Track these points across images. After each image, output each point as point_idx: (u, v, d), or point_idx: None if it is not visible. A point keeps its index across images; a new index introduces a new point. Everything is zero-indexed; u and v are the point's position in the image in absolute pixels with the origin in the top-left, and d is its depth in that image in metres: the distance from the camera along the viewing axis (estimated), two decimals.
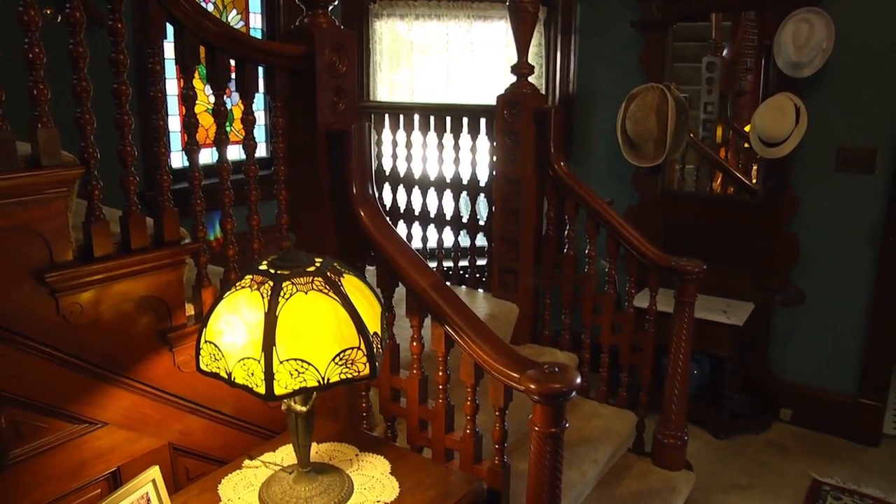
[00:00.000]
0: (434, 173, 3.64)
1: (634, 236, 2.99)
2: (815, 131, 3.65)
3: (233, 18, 4.10)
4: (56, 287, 1.62)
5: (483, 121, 3.44)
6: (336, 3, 2.19)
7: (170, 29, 1.86)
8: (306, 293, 1.50)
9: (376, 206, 2.24)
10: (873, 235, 3.69)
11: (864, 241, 3.73)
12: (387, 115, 3.76)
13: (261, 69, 2.12)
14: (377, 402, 2.38)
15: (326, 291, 1.52)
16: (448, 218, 3.65)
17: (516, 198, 3.30)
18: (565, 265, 3.29)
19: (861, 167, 3.67)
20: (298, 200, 2.25)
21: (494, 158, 3.37)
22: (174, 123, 3.67)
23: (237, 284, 1.56)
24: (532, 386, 1.71)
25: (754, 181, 4.06)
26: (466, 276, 3.69)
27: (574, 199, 3.19)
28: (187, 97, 1.93)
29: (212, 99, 2.04)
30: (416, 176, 3.70)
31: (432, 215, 3.70)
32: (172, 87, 3.59)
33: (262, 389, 1.46)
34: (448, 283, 2.31)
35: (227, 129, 2.10)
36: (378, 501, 1.76)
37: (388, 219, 2.26)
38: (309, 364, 1.46)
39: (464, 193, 3.58)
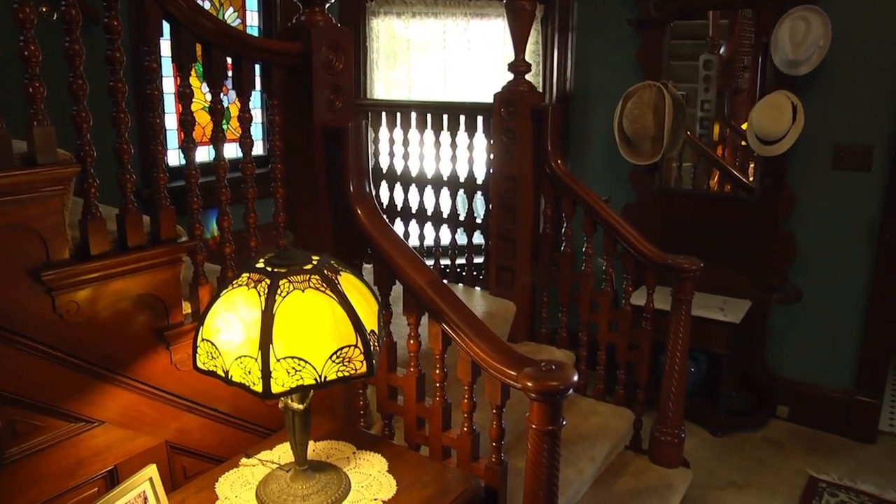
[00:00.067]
0: (431, 171, 3.64)
1: (631, 234, 2.99)
2: (811, 129, 3.66)
3: (229, 16, 4.10)
4: (52, 285, 1.61)
5: (480, 119, 3.44)
6: (333, 0, 2.19)
7: (166, 26, 1.85)
8: (303, 291, 1.49)
9: (373, 204, 2.24)
10: (870, 233, 3.70)
11: (861, 239, 3.74)
12: (384, 113, 3.75)
13: (257, 67, 2.11)
14: (374, 400, 2.38)
15: (323, 289, 1.52)
16: (445, 216, 3.65)
17: (513, 196, 3.30)
18: (562, 263, 3.29)
19: (858, 165, 3.68)
20: (295, 198, 2.24)
21: (491, 156, 3.36)
22: (171, 121, 3.66)
23: (234, 282, 1.56)
24: (529, 384, 1.71)
25: (751, 179, 4.07)
26: (463, 273, 3.69)
27: (571, 196, 3.19)
28: (184, 95, 1.93)
29: (208, 97, 2.03)
30: (414, 174, 3.70)
31: (429, 213, 3.69)
32: (169, 84, 3.58)
33: (259, 387, 1.46)
34: (445, 281, 2.31)
35: (224, 126, 2.09)
36: (375, 499, 1.76)
37: (385, 217, 2.26)
38: (306, 362, 1.46)
39: (461, 191, 3.58)
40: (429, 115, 3.57)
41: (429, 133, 3.59)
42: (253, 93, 2.12)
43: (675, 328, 2.86)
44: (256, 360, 1.45)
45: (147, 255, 1.81)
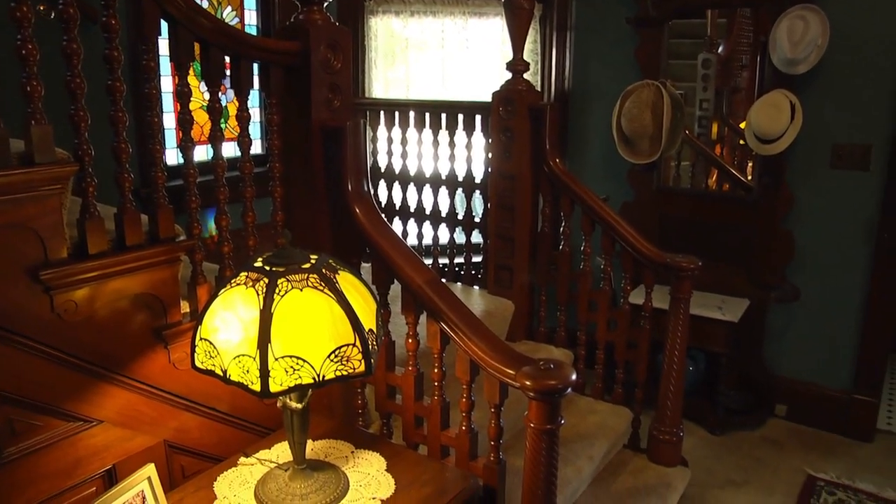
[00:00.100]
0: (429, 170, 3.64)
1: (630, 233, 2.99)
2: (810, 128, 3.66)
3: (228, 15, 4.09)
4: (51, 284, 1.61)
5: (478, 117, 3.44)
6: None
7: (164, 25, 1.85)
8: (301, 290, 1.49)
9: (372, 203, 2.24)
10: (868, 232, 3.70)
11: (859, 238, 3.74)
12: (382, 112, 3.76)
13: (256, 66, 2.11)
14: (373, 399, 2.38)
15: (322, 288, 1.51)
16: (444, 215, 3.65)
17: (512, 194, 3.30)
18: (561, 262, 3.29)
19: (856, 164, 3.68)
20: (294, 197, 2.24)
21: (490, 155, 3.37)
22: (169, 120, 3.66)
23: (232, 281, 1.56)
24: (527, 382, 1.71)
25: (750, 178, 4.07)
26: (462, 272, 3.69)
27: (569, 195, 3.19)
28: (182, 94, 1.93)
29: (207, 96, 2.03)
30: (412, 173, 3.70)
31: (428, 212, 3.70)
32: (167, 83, 3.58)
33: (257, 387, 1.46)
34: (443, 280, 2.31)
35: (222, 125, 2.09)
36: (374, 498, 1.76)
37: (383, 216, 2.26)
38: (304, 361, 1.46)
39: (459, 190, 3.58)
40: (427, 114, 3.57)
41: (427, 132, 3.59)
42: (251, 92, 2.11)
43: (674, 327, 2.86)
44: (255, 359, 1.45)
45: (145, 254, 1.81)
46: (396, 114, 3.69)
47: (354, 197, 2.19)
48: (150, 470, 1.64)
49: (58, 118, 1.63)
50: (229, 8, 4.10)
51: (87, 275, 1.68)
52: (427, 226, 3.74)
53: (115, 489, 1.57)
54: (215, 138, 2.03)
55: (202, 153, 3.75)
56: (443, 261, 3.75)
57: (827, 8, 3.51)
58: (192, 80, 1.98)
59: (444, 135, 3.53)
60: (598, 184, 4.13)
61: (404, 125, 3.65)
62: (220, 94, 2.02)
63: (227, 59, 2.03)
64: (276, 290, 1.48)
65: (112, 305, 1.77)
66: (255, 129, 4.33)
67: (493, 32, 4.75)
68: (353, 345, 1.51)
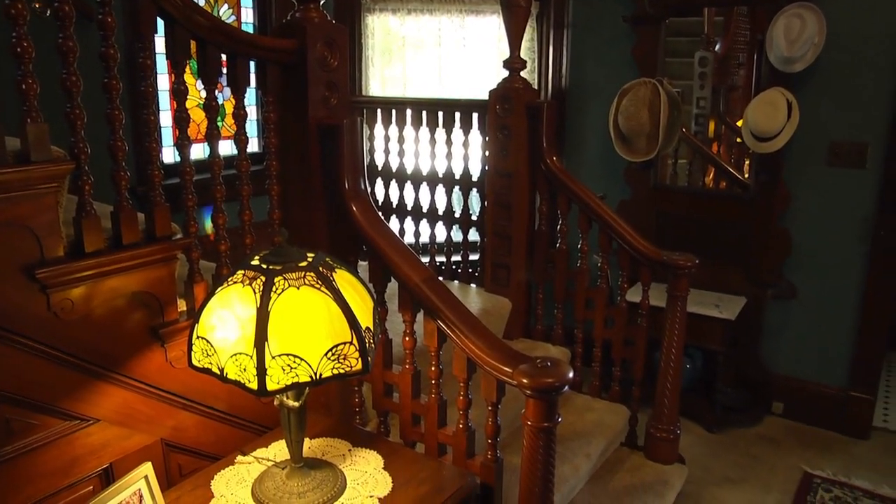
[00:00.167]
0: (426, 168, 3.64)
1: (627, 231, 2.99)
2: (806, 126, 3.66)
3: (224, 13, 4.08)
4: (47, 283, 1.61)
5: (475, 115, 3.44)
6: None
7: (160, 23, 1.85)
8: (298, 288, 1.49)
9: (368, 201, 2.24)
10: (864, 230, 3.71)
11: (856, 236, 3.74)
12: (379, 110, 3.75)
13: (252, 64, 2.11)
14: (370, 398, 2.38)
15: (318, 286, 1.51)
16: (440, 213, 3.65)
17: (508, 192, 3.30)
18: (557, 260, 3.29)
19: (852, 162, 3.68)
20: (290, 196, 2.24)
21: (487, 153, 3.37)
22: (165, 118, 3.66)
23: (229, 280, 1.56)
24: (524, 380, 1.71)
25: (746, 176, 4.08)
26: (459, 270, 3.69)
27: (566, 193, 3.19)
28: (178, 92, 1.92)
29: (203, 94, 2.03)
30: (409, 171, 3.70)
31: (425, 210, 3.70)
32: (164, 81, 3.57)
33: (254, 385, 1.45)
34: (440, 278, 2.31)
35: (219, 124, 2.08)
36: (371, 496, 1.76)
37: (380, 214, 2.26)
38: (301, 359, 1.46)
39: (456, 188, 3.58)
40: (424, 112, 3.57)
41: (424, 130, 3.59)
42: (248, 89, 2.11)
43: (671, 325, 2.86)
44: (252, 357, 1.45)
45: (142, 252, 1.81)
46: (393, 112, 3.68)
47: (351, 195, 2.19)
48: (147, 468, 1.64)
49: (54, 116, 1.62)
50: (226, 6, 4.09)
51: (83, 273, 1.68)
52: (424, 224, 3.74)
53: (112, 488, 1.57)
54: (212, 136, 2.02)
55: (199, 151, 3.74)
56: (440, 259, 3.75)
57: (824, 6, 3.51)
58: (188, 77, 1.97)
59: (441, 133, 3.53)
60: (595, 182, 4.14)
61: (401, 123, 3.65)
62: (216, 91, 2.02)
63: (224, 56, 2.03)
64: (273, 289, 1.48)
65: (109, 304, 1.76)
66: (251, 127, 4.32)
67: (489, 30, 4.74)
68: (350, 343, 1.51)
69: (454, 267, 3.70)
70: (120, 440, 1.86)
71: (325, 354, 1.48)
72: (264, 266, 1.53)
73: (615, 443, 3.08)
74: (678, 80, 4.11)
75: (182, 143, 1.94)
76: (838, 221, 3.77)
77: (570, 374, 1.73)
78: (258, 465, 1.87)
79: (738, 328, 3.83)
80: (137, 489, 1.60)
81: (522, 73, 3.27)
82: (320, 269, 1.55)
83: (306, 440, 1.85)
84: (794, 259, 3.91)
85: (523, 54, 3.32)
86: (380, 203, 3.80)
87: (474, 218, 3.57)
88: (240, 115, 2.09)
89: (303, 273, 1.52)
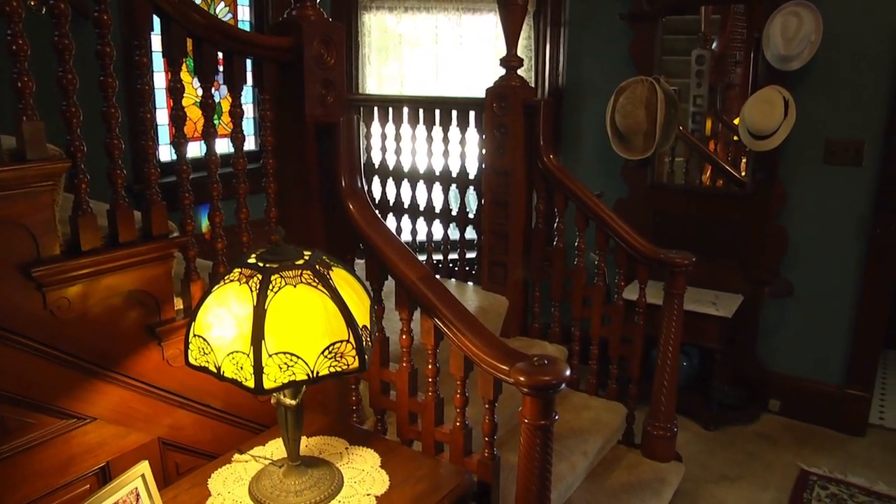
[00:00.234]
0: (423, 166, 3.63)
1: (624, 229, 3.00)
2: (803, 124, 3.67)
3: (220, 10, 4.08)
4: (43, 282, 1.61)
5: (472, 113, 3.44)
6: None
7: (157, 21, 1.84)
8: (295, 286, 1.49)
9: (365, 200, 2.24)
10: (861, 227, 3.72)
11: (852, 233, 3.75)
12: (376, 108, 3.75)
13: (249, 62, 2.11)
14: (367, 396, 2.38)
15: (315, 285, 1.51)
16: (437, 211, 3.65)
17: (505, 191, 3.30)
18: (555, 258, 3.29)
19: (849, 160, 3.69)
20: (287, 194, 2.24)
21: (484, 151, 3.37)
22: (162, 116, 3.65)
23: (226, 278, 1.56)
24: (521, 378, 1.71)
25: (743, 174, 4.08)
26: (456, 269, 3.69)
27: (563, 191, 3.19)
28: (175, 90, 1.92)
29: (200, 92, 2.02)
30: (406, 169, 3.69)
31: (422, 208, 3.69)
32: (160, 79, 3.56)
33: (251, 383, 1.45)
34: (437, 277, 2.31)
35: (216, 122, 2.08)
36: (368, 495, 1.76)
37: (377, 212, 2.26)
38: (298, 357, 1.46)
39: (453, 186, 3.58)
40: (421, 110, 3.57)
41: (421, 128, 3.59)
42: (244, 88, 2.11)
43: (668, 323, 2.87)
44: (248, 355, 1.45)
45: (138, 250, 1.80)
46: (390, 110, 3.68)
47: (348, 193, 2.19)
48: (144, 467, 1.64)
49: (50, 114, 1.62)
50: (222, 3, 4.09)
51: (79, 272, 1.67)
52: (421, 222, 3.74)
53: (108, 486, 1.56)
54: (208, 134, 2.02)
55: (195, 149, 3.74)
56: (437, 257, 3.75)
57: (820, 4, 3.51)
58: (184, 76, 1.97)
59: (437, 131, 3.53)
60: (592, 180, 4.14)
61: (398, 121, 3.65)
62: (213, 90, 2.02)
63: (220, 54, 2.02)
64: (270, 287, 1.48)
65: (105, 302, 1.76)
66: (248, 125, 4.32)
67: (486, 28, 4.74)
68: (347, 341, 1.51)
69: (451, 265, 3.70)
70: (117, 439, 1.86)
71: (322, 352, 1.48)
72: (261, 264, 1.53)
73: (612, 441, 3.08)
74: (675, 78, 4.11)
75: (178, 142, 1.94)
76: (835, 219, 3.78)
77: (567, 372, 1.73)
78: (255, 464, 1.87)
79: (735, 326, 3.83)
80: (134, 488, 1.60)
81: (519, 71, 3.27)
82: (317, 267, 1.55)
83: (303, 438, 1.85)
84: (791, 257, 3.91)
85: (520, 52, 3.32)
86: (377, 201, 3.79)
87: (471, 216, 3.57)
88: (236, 113, 2.09)
89: (299, 271, 1.52)
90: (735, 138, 3.98)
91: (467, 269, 3.69)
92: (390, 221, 3.79)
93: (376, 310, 2.15)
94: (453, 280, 3.67)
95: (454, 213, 3.60)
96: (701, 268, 2.97)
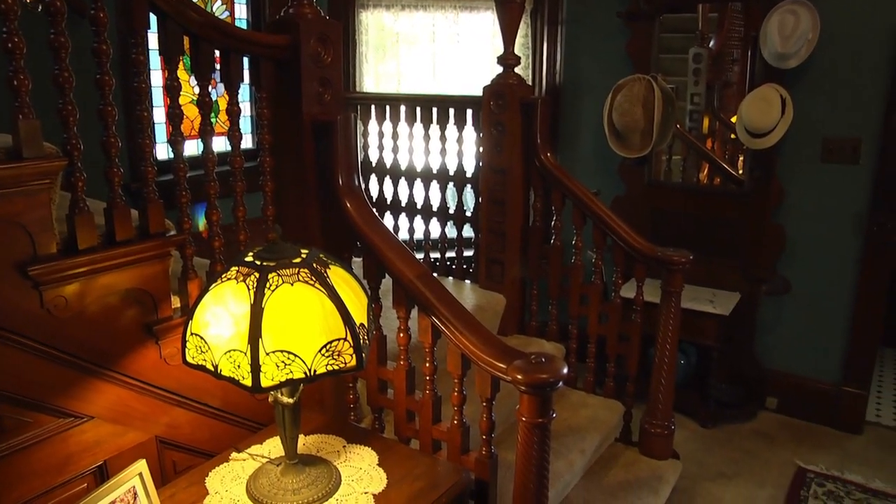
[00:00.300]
0: (420, 164, 3.63)
1: (621, 227, 3.00)
2: (800, 122, 3.67)
3: (217, 9, 4.07)
4: (40, 280, 1.60)
5: (469, 112, 3.43)
6: None
7: (153, 19, 1.84)
8: (292, 285, 1.49)
9: (362, 198, 2.24)
10: (858, 225, 3.72)
11: (849, 231, 3.76)
12: (373, 107, 3.75)
13: (246, 60, 2.10)
14: (364, 394, 2.38)
15: (313, 283, 1.51)
16: (435, 209, 3.64)
17: (503, 189, 3.30)
18: (552, 256, 3.29)
19: (846, 158, 3.69)
20: (284, 192, 2.24)
21: (481, 149, 3.36)
22: (159, 114, 3.64)
23: (223, 276, 1.56)
24: (519, 376, 1.72)
25: (741, 172, 4.08)
26: (453, 267, 3.69)
27: (561, 189, 3.19)
28: (172, 88, 1.92)
29: (197, 90, 2.02)
30: (403, 167, 3.69)
31: (419, 206, 3.69)
32: (157, 77, 3.56)
33: (248, 381, 1.45)
34: (435, 275, 2.31)
35: (213, 120, 2.08)
36: (366, 493, 1.76)
37: (374, 210, 2.26)
38: (295, 356, 1.46)
39: (450, 184, 3.58)
40: (418, 109, 3.56)
41: (418, 126, 3.58)
42: (241, 86, 2.10)
43: (665, 320, 2.87)
44: (246, 354, 1.45)
45: (135, 249, 1.80)
46: (387, 108, 3.68)
47: (345, 191, 2.19)
48: (141, 466, 1.64)
49: (46, 112, 1.61)
50: (219, 1, 4.08)
51: (76, 270, 1.67)
52: (418, 220, 3.73)
53: (106, 485, 1.56)
54: (205, 133, 2.02)
55: (192, 148, 3.72)
56: (434, 255, 3.75)
57: (817, 2, 3.51)
58: (181, 74, 1.97)
59: (435, 129, 3.53)
60: (590, 178, 4.14)
61: (395, 119, 3.65)
62: (210, 88, 2.01)
63: (217, 52, 2.02)
64: (267, 285, 1.47)
65: (102, 301, 1.76)
66: (245, 124, 4.31)
67: (483, 26, 4.74)
68: (345, 339, 1.51)
69: (448, 263, 3.70)
70: (114, 437, 1.86)
71: (320, 351, 1.48)
72: (258, 262, 1.53)
73: (610, 438, 3.08)
74: (672, 76, 4.11)
75: (175, 140, 1.94)
76: (832, 217, 3.79)
77: (565, 370, 1.73)
78: (253, 462, 1.86)
79: (732, 324, 3.84)
80: (132, 486, 1.60)
81: (516, 70, 3.26)
82: (314, 265, 1.55)
83: (301, 437, 1.85)
84: (788, 255, 3.92)
85: (517, 50, 3.32)
86: (374, 199, 3.79)
87: (468, 214, 3.56)
88: (233, 112, 2.08)
89: (297, 269, 1.52)
90: (732, 136, 3.99)
91: (465, 267, 3.68)
92: (388, 220, 3.78)
93: (374, 308, 2.15)
94: (451, 278, 3.67)
95: (451, 211, 3.59)
96: (698, 266, 2.97)
